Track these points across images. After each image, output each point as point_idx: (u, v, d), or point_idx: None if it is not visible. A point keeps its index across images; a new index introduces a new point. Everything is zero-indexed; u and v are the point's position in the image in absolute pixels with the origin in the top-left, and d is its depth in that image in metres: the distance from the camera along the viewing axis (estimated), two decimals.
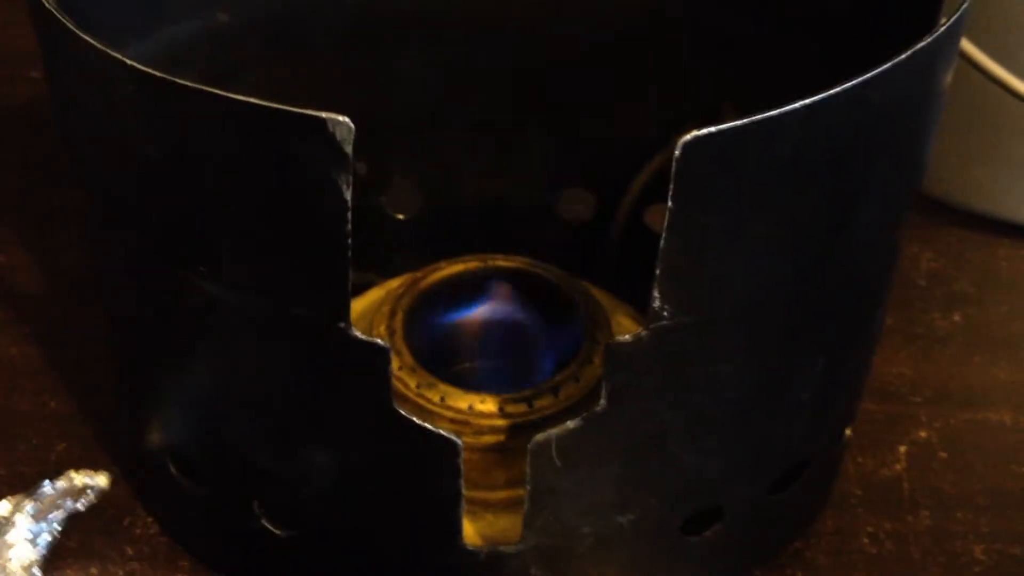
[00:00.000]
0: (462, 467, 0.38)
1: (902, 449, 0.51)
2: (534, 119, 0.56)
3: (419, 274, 0.50)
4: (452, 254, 0.52)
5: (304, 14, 0.52)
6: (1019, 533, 0.48)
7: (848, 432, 0.47)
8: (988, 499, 0.49)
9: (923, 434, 0.52)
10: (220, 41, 0.50)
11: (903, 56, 0.35)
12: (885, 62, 0.35)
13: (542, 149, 0.56)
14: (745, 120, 0.32)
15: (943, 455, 0.51)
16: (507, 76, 0.55)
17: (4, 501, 0.46)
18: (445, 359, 0.49)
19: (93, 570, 0.46)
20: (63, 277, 0.59)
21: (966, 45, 0.55)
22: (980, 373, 0.55)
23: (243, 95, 0.33)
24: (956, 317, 0.58)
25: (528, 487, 0.39)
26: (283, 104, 0.32)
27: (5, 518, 0.46)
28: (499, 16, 0.54)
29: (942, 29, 0.36)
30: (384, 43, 0.54)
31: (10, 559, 0.44)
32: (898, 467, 0.51)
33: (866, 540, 0.48)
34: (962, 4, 0.38)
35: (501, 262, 0.51)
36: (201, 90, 0.33)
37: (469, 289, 0.50)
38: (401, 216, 0.58)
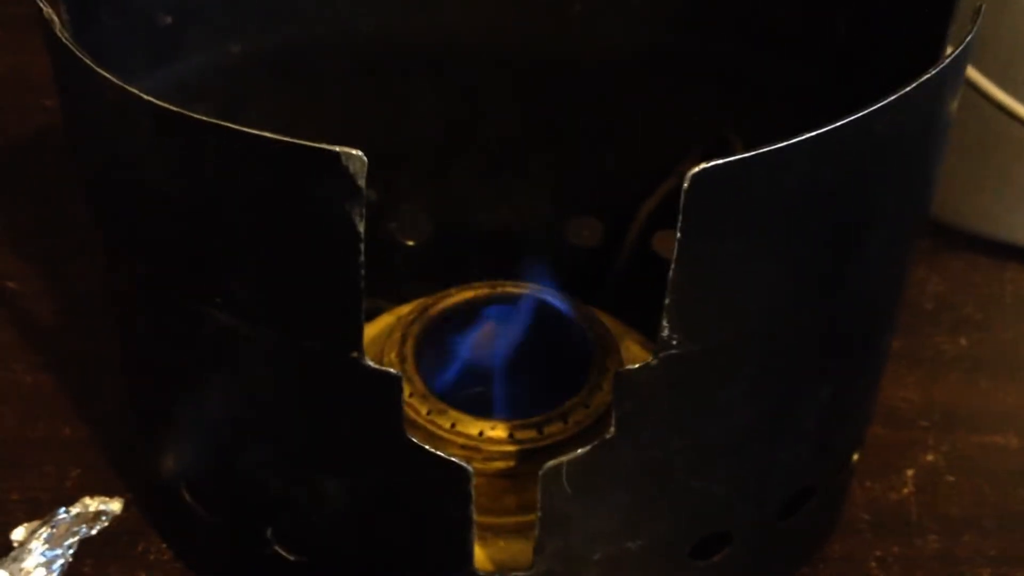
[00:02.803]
0: (473, 493, 0.38)
1: (910, 473, 0.52)
2: (542, 146, 0.56)
3: (429, 300, 0.51)
4: (461, 280, 0.52)
5: (316, 45, 0.53)
6: None
7: (855, 457, 0.48)
8: (995, 523, 0.50)
9: (930, 458, 0.52)
10: (232, 72, 0.51)
11: (909, 88, 0.35)
12: (891, 91, 0.35)
13: (550, 176, 0.57)
14: (752, 153, 0.33)
15: (950, 479, 0.52)
16: (515, 104, 0.55)
17: (20, 528, 0.47)
18: (455, 385, 0.49)
19: None
20: (76, 304, 0.59)
21: (972, 73, 0.56)
22: (987, 397, 0.56)
23: (255, 125, 0.33)
24: (963, 341, 0.59)
25: (539, 513, 0.39)
26: (295, 135, 0.33)
27: (21, 544, 0.46)
28: (507, 46, 0.54)
29: (947, 60, 0.36)
30: (395, 73, 0.54)
31: None
32: (906, 491, 0.51)
33: (874, 564, 0.48)
34: (968, 35, 0.38)
35: (510, 288, 0.51)
36: (215, 124, 0.33)
37: (479, 315, 0.50)
38: (411, 243, 0.58)
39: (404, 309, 0.53)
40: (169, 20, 0.48)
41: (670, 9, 0.53)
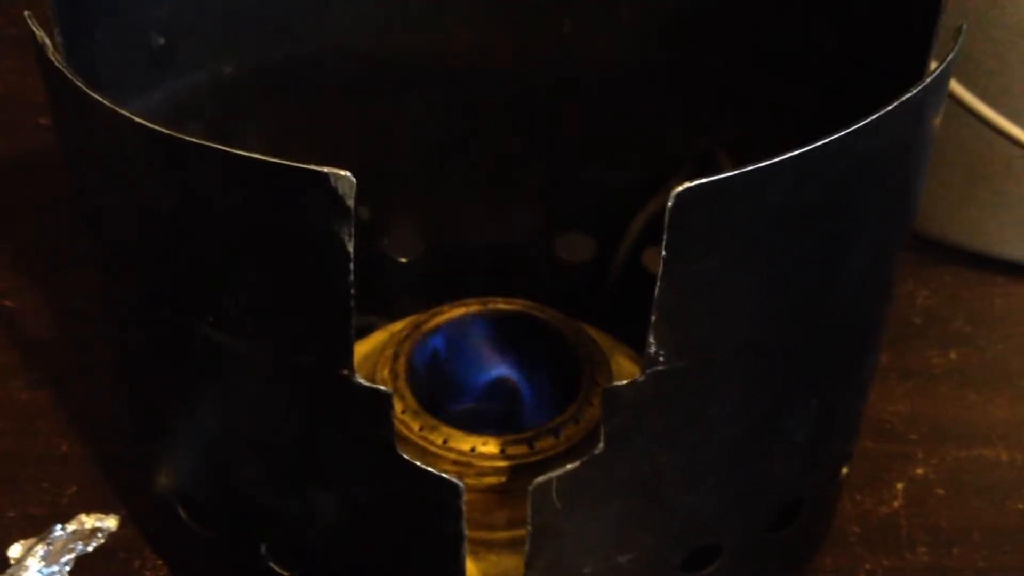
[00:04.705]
0: (464, 509, 0.38)
1: (899, 486, 0.52)
2: (534, 163, 0.56)
3: (421, 317, 0.51)
4: (453, 297, 0.52)
5: (310, 63, 0.53)
6: (1016, 569, 0.49)
7: (845, 470, 0.48)
8: (985, 535, 0.50)
9: (920, 471, 0.53)
10: (225, 91, 0.51)
11: (891, 106, 0.35)
12: (876, 107, 0.35)
13: (542, 193, 0.57)
14: (736, 171, 0.33)
15: (940, 492, 0.52)
16: (508, 121, 0.56)
17: (16, 544, 0.47)
18: (447, 401, 0.50)
19: None
20: (73, 322, 0.59)
21: (959, 90, 0.56)
22: (976, 410, 0.56)
23: (248, 143, 0.34)
24: (952, 355, 0.59)
25: (529, 528, 0.39)
26: (290, 151, 0.33)
27: (17, 561, 0.46)
28: (499, 64, 0.54)
29: (929, 79, 0.37)
30: (386, 91, 0.54)
31: None
32: (896, 504, 0.51)
33: None
34: (949, 53, 0.39)
35: (502, 305, 0.52)
36: (205, 145, 0.33)
37: (470, 332, 0.51)
38: (403, 259, 0.58)
39: (397, 326, 0.53)
40: (162, 41, 0.48)
41: (660, 26, 0.54)
